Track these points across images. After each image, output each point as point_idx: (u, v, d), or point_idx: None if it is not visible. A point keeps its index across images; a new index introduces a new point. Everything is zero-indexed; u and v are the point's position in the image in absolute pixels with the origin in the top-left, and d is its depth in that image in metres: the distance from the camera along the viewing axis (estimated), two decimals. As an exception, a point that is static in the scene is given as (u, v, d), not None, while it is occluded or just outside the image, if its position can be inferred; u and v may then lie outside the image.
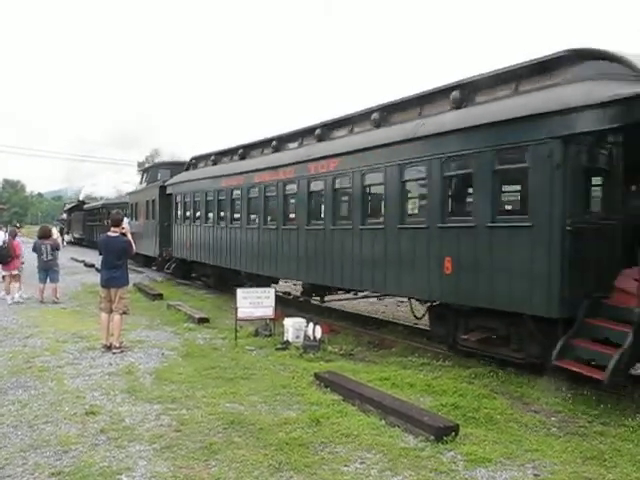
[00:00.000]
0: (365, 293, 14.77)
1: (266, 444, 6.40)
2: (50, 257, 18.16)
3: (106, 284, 11.43)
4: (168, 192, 25.40)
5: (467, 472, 5.73)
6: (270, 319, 12.78)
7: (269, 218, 16.87)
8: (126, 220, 11.91)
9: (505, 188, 10.42)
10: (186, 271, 24.78)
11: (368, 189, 12.89)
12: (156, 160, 49.14)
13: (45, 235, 18.74)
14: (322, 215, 14.41)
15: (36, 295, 18.06)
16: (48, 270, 18.02)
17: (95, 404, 7.78)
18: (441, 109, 11.11)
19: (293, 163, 15.51)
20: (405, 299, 13.72)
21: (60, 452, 6.19)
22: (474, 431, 6.82)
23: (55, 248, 18.62)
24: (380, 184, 12.23)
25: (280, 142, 17.29)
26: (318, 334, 11.43)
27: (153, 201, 27.36)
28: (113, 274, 11.36)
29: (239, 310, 12.32)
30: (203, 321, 14.32)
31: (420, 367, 10.05)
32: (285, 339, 11.81)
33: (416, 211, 12.20)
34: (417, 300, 12.33)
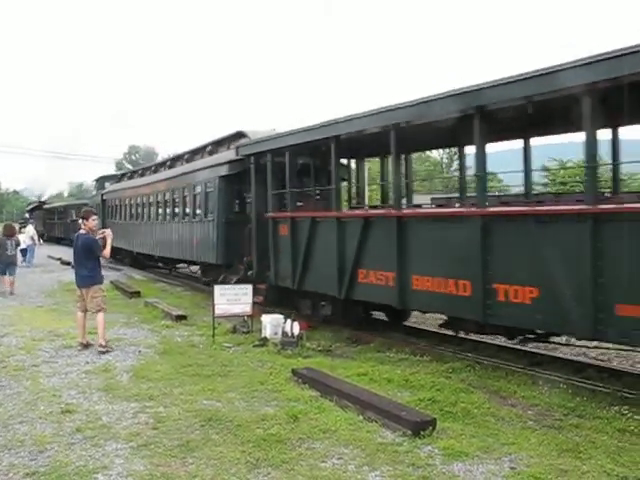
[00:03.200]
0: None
1: (244, 441, 6.39)
2: (13, 252, 20.17)
3: (77, 283, 11.31)
4: (103, 199, 34.82)
5: (444, 466, 5.75)
6: (248, 316, 12.75)
7: (146, 217, 26.42)
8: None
9: (199, 202, 19.79)
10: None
11: (172, 199, 22.82)
12: (133, 157, 62.89)
13: (10, 233, 20.56)
14: (160, 215, 24.43)
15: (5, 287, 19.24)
16: (10, 264, 19.84)
17: (71, 403, 7.72)
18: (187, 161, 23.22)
19: (150, 183, 26.09)
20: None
21: (35, 452, 6.14)
22: (451, 425, 6.85)
23: (17, 244, 21.01)
24: (173, 197, 22.75)
25: (157, 167, 28.46)
26: (296, 330, 11.41)
27: (97, 205, 34.20)
28: (82, 273, 11.21)
29: (216, 307, 12.27)
30: (181, 318, 14.25)
31: (398, 362, 10.08)
32: (263, 336, 11.78)
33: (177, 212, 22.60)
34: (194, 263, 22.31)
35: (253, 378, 8.92)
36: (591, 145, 8.05)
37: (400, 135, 10.83)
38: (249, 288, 12.83)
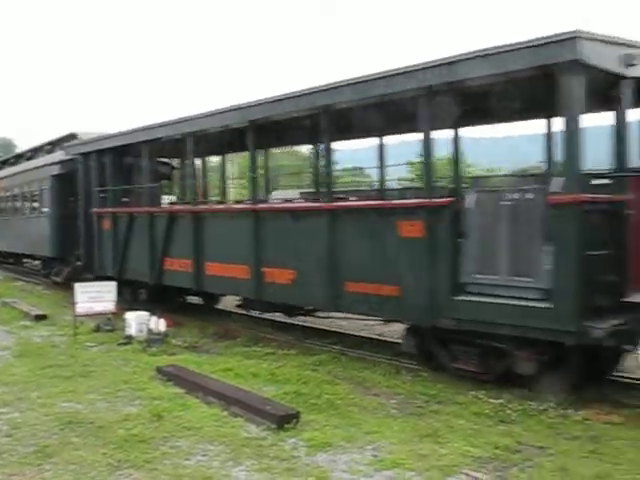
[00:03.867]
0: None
1: (105, 442, 6.20)
2: None
3: None
4: None
5: (308, 458, 5.81)
6: (112, 314, 12.40)
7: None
8: None
9: (37, 198, 21.10)
10: None
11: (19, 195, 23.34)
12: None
13: None
14: (9, 210, 24.79)
15: None
16: None
17: None
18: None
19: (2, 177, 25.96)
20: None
21: None
22: (316, 417, 6.92)
23: None
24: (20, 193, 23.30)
25: (16, 159, 27.72)
26: (162, 327, 11.20)
27: None
28: None
29: (78, 305, 11.85)
30: (40, 318, 13.71)
31: (264, 357, 10.10)
32: (128, 334, 11.48)
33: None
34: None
35: (116, 377, 8.68)
36: (329, 152, 10.46)
37: (225, 137, 12.87)
38: (113, 286, 12.47)
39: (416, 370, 9.10)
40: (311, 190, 16.24)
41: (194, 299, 15.49)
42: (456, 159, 11.77)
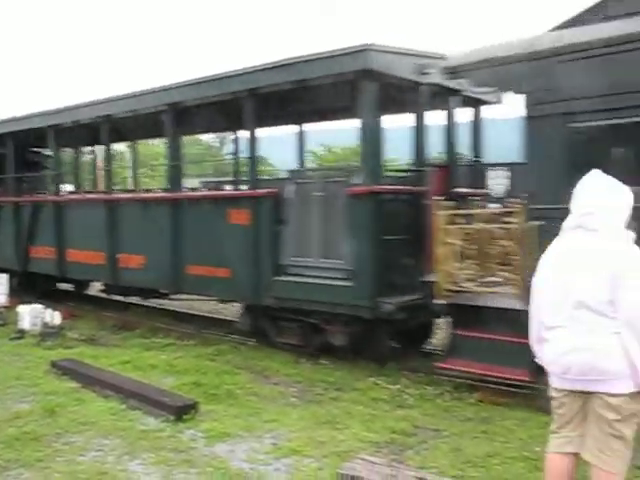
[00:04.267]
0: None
1: (-7, 442, 5.97)
2: None
3: None
4: None
5: (207, 448, 5.77)
6: (4, 307, 11.94)
7: None
8: None
9: None
10: None
11: None
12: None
13: None
14: None
15: None
16: None
17: None
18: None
19: None
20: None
21: None
22: (215, 407, 6.88)
23: None
24: None
25: None
26: (57, 320, 10.86)
27: None
28: None
29: (-35, 299, 11.36)
30: None
31: (164, 348, 9.96)
32: (20, 327, 11.06)
33: None
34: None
35: (7, 373, 8.36)
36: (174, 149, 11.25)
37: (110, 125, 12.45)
38: (4, 278, 12.02)
39: (316, 358, 9.19)
40: (213, 180, 16.39)
41: (65, 285, 15.79)
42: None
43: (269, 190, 9.46)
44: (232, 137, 14.66)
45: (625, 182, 3.80)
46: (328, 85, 8.84)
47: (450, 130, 9.65)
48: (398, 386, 7.71)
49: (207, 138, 59.36)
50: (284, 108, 11.16)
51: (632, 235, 3.69)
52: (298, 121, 12.81)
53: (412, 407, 7.06)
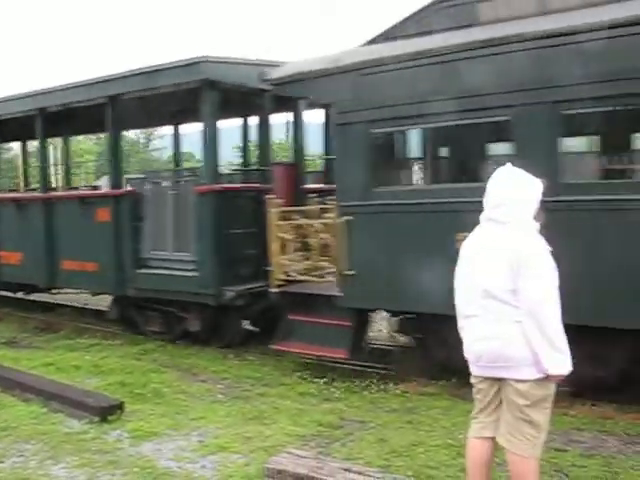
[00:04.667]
0: None
1: None
2: None
3: None
4: None
5: (133, 448, 5.69)
6: None
7: None
8: None
9: None
10: None
11: None
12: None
13: None
14: None
15: None
16: None
17: None
18: None
19: None
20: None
21: None
22: (141, 407, 6.80)
23: None
24: None
25: None
26: (-25, 324, 10.56)
27: None
28: None
29: None
30: None
31: (88, 348, 9.78)
32: None
33: None
34: None
35: None
36: (42, 151, 12.32)
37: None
38: None
39: (243, 355, 9.19)
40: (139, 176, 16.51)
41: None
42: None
43: (128, 189, 10.49)
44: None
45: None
46: (180, 92, 9.43)
47: (297, 131, 10.39)
48: (325, 379, 7.78)
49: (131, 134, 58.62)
50: (150, 112, 11.73)
51: (536, 226, 3.81)
52: (166, 123, 14.21)
53: (339, 400, 7.14)
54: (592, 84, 6.05)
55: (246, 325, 10.19)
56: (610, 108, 6.51)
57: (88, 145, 54.88)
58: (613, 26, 5.88)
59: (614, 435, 5.93)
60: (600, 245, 6.17)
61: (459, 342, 4.05)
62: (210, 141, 9.16)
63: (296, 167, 10.11)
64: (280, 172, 9.66)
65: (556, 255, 3.72)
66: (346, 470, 4.55)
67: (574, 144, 8.75)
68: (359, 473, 4.51)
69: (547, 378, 3.68)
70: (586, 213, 6.20)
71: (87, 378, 7.97)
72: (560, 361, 3.63)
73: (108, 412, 6.32)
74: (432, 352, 7.68)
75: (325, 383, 7.68)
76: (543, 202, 3.85)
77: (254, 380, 8.04)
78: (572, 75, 6.10)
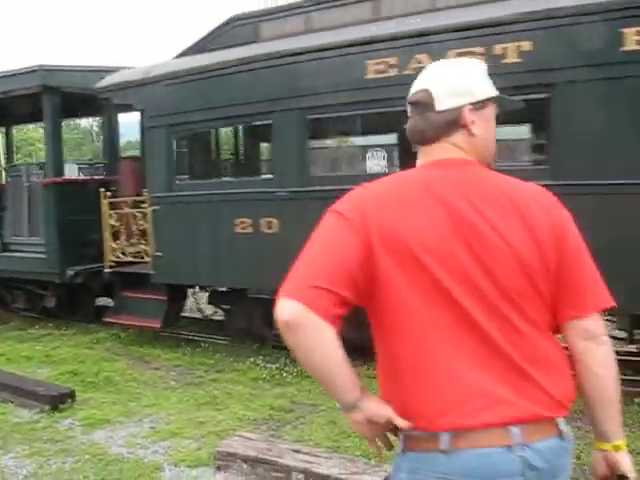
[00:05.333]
0: None
1: None
2: None
3: None
4: None
5: (85, 436, 5.72)
6: None
7: None
8: None
9: None
10: None
11: None
12: None
13: None
14: None
15: None
16: None
17: None
18: None
19: None
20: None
21: None
22: (93, 395, 6.82)
23: None
24: None
25: None
26: None
27: None
28: None
29: None
30: None
31: (40, 338, 9.70)
32: None
33: None
34: None
35: None
36: None
37: None
38: None
39: (196, 342, 9.24)
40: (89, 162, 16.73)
41: None
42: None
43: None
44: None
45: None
46: (30, 95, 10.26)
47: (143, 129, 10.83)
48: (277, 365, 7.85)
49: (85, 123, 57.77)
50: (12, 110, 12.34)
51: None
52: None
53: (290, 384, 7.22)
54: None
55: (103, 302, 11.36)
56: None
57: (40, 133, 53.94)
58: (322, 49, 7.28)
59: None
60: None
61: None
62: (53, 139, 10.34)
63: (140, 161, 10.89)
64: (126, 166, 10.71)
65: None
66: (295, 451, 4.64)
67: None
68: (308, 454, 4.60)
69: None
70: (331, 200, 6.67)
71: (38, 368, 7.94)
72: None
73: (59, 401, 6.33)
74: (236, 322, 9.13)
75: (277, 368, 7.74)
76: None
77: (207, 366, 8.07)
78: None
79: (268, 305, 7.00)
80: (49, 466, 5.13)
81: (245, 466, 4.71)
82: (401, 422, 1.74)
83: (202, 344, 9.08)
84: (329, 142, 11.71)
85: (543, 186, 1.93)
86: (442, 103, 1.88)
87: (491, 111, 1.95)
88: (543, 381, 1.73)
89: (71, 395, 6.49)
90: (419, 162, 1.96)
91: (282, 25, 8.05)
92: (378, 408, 1.77)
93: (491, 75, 1.97)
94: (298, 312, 1.65)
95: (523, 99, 2.58)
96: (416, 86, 1.95)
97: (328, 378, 1.74)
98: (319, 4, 7.84)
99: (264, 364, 7.97)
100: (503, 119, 2.11)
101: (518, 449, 1.66)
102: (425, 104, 1.90)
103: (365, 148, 12.43)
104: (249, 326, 8.88)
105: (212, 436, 5.56)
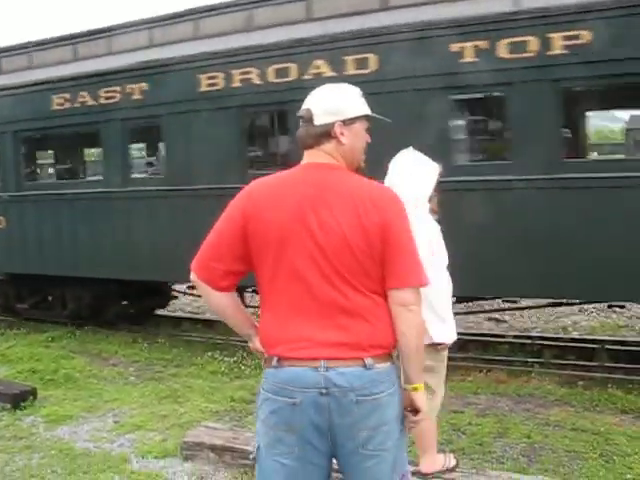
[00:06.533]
0: None
1: None
2: None
3: None
4: None
5: (48, 432, 5.79)
6: None
7: None
8: None
9: None
10: None
11: None
12: None
13: None
14: None
15: None
16: None
17: None
18: None
19: None
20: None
21: None
22: (54, 392, 6.87)
23: None
24: None
25: None
26: None
27: None
28: None
29: None
30: None
31: (-8, 338, 9.67)
32: None
33: None
34: None
35: None
36: None
37: None
38: None
39: (153, 337, 9.32)
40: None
41: None
42: None
43: None
44: None
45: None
46: None
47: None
48: (235, 358, 7.98)
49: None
50: None
51: (427, 206, 4.10)
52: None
53: (249, 377, 7.36)
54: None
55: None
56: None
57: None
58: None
59: (506, 396, 6.46)
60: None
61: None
62: None
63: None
64: None
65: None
66: (260, 439, 4.81)
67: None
68: (273, 441, 4.76)
69: (435, 345, 4.01)
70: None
71: (-5, 367, 7.93)
72: (444, 330, 3.96)
73: (20, 399, 6.36)
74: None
75: (235, 362, 7.88)
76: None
77: (165, 362, 8.19)
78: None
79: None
80: (15, 462, 5.19)
81: (212, 455, 4.86)
82: (259, 352, 2.59)
83: (159, 340, 9.16)
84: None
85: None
86: (318, 119, 2.49)
87: (361, 125, 2.55)
88: (352, 330, 2.37)
89: (32, 392, 6.52)
90: (302, 162, 2.56)
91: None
92: (254, 344, 2.63)
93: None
94: (196, 282, 2.55)
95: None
96: (305, 104, 2.54)
97: (227, 322, 2.68)
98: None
99: (222, 358, 8.11)
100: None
101: (322, 370, 2.34)
102: (308, 119, 2.51)
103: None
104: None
105: (176, 428, 5.68)
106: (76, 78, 9.35)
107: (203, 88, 8.24)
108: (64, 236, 9.56)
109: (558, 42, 6.23)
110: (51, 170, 13.10)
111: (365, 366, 2.36)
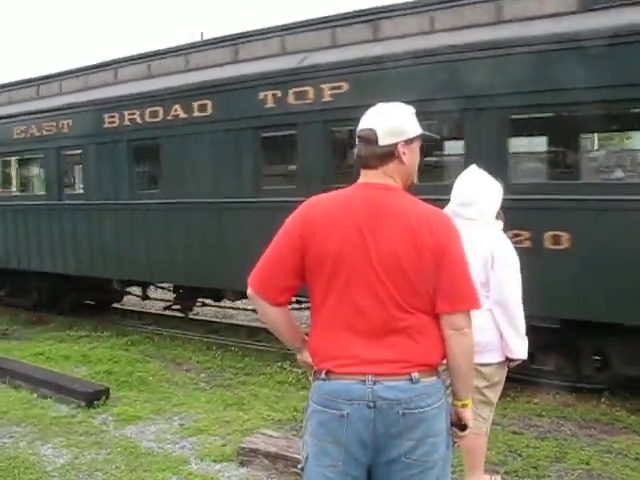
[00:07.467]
0: None
1: None
2: None
3: None
4: None
5: (117, 430, 6.05)
6: None
7: None
8: None
9: None
10: None
11: None
12: None
13: None
14: None
15: None
16: None
17: None
18: None
19: None
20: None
21: None
22: (126, 394, 7.15)
23: None
24: None
25: None
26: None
27: None
28: None
29: None
30: None
31: (78, 340, 10.11)
32: None
33: None
34: None
35: None
36: None
37: None
38: None
39: (226, 346, 9.54)
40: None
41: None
42: None
43: None
44: None
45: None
46: None
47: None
48: (303, 369, 8.09)
49: None
50: None
51: (501, 224, 4.18)
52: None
53: (315, 388, 7.44)
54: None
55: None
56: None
57: None
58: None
59: (571, 420, 6.32)
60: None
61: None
62: None
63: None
64: None
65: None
66: (313, 448, 4.90)
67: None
68: (325, 451, 4.84)
69: (506, 362, 4.05)
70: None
71: (75, 367, 8.30)
72: (523, 346, 4.01)
73: (94, 397, 6.66)
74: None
75: (303, 373, 7.97)
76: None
77: (236, 370, 8.39)
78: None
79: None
80: (84, 457, 5.46)
81: (266, 461, 4.99)
82: (309, 365, 2.66)
83: (232, 348, 9.38)
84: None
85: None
86: (383, 139, 2.52)
87: (417, 144, 2.62)
88: (400, 348, 2.44)
89: (106, 392, 6.82)
90: (360, 180, 2.61)
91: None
92: (303, 356, 2.71)
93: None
94: (253, 297, 2.61)
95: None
96: (364, 123, 2.58)
97: (280, 335, 2.72)
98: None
99: (290, 368, 8.25)
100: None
101: (370, 383, 2.40)
102: (370, 139, 2.54)
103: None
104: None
105: (237, 434, 5.84)
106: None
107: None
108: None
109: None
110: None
111: (412, 380, 2.42)
